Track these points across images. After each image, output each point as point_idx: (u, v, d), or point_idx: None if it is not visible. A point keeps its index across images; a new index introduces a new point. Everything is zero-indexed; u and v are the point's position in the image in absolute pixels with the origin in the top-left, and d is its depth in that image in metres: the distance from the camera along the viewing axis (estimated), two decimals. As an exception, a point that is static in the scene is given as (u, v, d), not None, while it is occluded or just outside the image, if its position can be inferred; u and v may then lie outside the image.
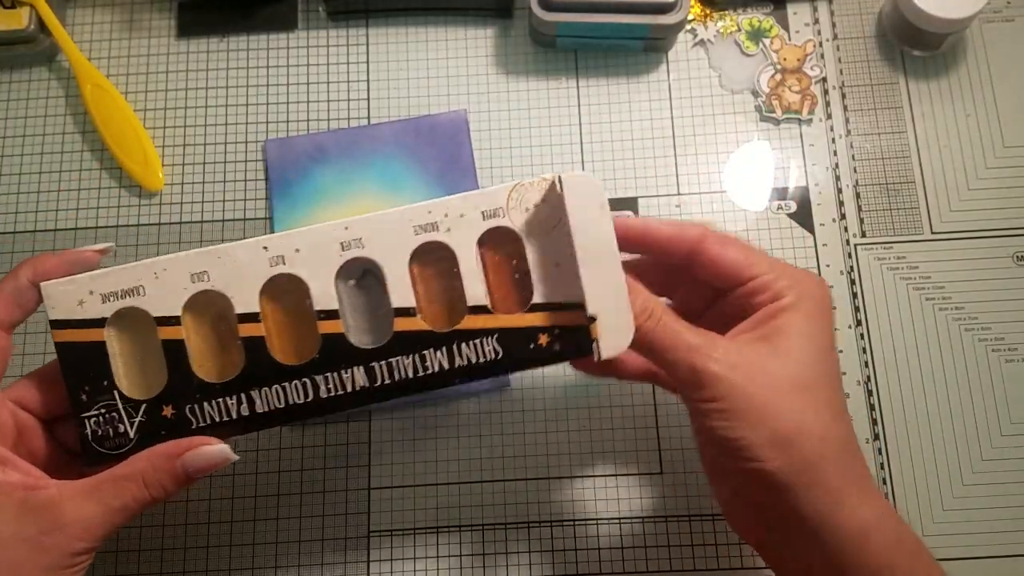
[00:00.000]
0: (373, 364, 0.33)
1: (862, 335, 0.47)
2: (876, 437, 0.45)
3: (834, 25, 0.52)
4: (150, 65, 0.52)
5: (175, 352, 0.33)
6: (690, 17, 0.52)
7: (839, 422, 0.33)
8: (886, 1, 0.51)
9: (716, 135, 0.50)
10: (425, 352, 0.33)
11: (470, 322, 0.33)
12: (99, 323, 0.33)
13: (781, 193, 0.49)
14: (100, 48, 0.52)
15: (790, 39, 0.52)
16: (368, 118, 0.51)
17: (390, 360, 0.33)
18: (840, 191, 0.49)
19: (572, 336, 0.33)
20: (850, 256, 0.48)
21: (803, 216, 0.49)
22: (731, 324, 0.35)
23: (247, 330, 0.33)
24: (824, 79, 0.51)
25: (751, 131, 0.50)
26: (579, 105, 0.51)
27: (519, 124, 0.51)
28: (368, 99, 0.51)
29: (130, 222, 0.50)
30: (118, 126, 0.50)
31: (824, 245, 0.48)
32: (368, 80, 0.52)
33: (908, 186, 0.49)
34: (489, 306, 0.33)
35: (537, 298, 0.33)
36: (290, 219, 0.49)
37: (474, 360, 0.33)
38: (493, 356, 0.33)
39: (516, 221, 0.33)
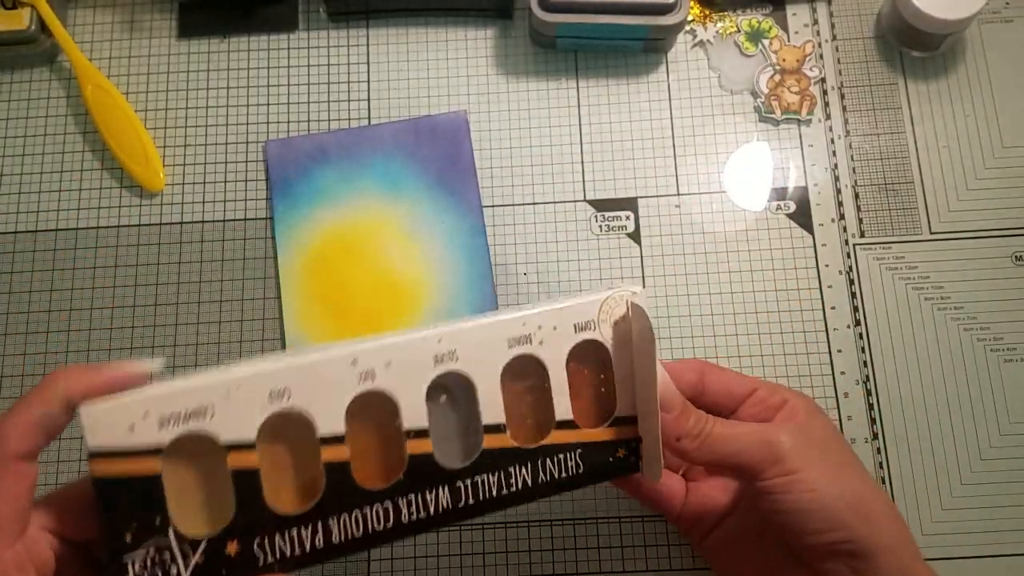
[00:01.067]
0: (458, 483, 0.31)
1: (861, 335, 0.47)
2: (875, 436, 0.45)
3: (833, 26, 0.52)
4: (151, 66, 0.52)
5: (247, 482, 0.28)
6: (689, 18, 0.52)
7: (882, 493, 0.35)
8: (885, 2, 0.51)
9: (716, 135, 0.50)
10: (510, 468, 0.32)
11: (555, 437, 0.32)
12: (154, 452, 0.27)
13: (780, 193, 0.49)
14: (101, 49, 0.53)
15: (789, 40, 0.52)
16: (368, 118, 0.51)
17: (475, 478, 0.31)
18: (839, 191, 0.49)
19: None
20: (849, 256, 0.48)
21: (802, 216, 0.49)
22: None
23: (330, 454, 0.29)
24: (823, 80, 0.51)
25: (750, 131, 0.50)
26: (579, 105, 0.51)
27: (519, 124, 0.51)
28: (368, 100, 0.51)
29: (131, 222, 0.50)
30: (119, 126, 0.50)
31: (823, 245, 0.48)
32: (368, 81, 0.52)
33: (907, 186, 0.49)
34: (575, 420, 0.33)
35: (619, 412, 0.33)
36: (291, 219, 0.49)
37: (557, 475, 0.32)
38: (575, 471, 0.33)
39: (606, 335, 0.33)
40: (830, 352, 0.47)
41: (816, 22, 0.52)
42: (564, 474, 0.32)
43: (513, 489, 0.32)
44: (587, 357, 0.33)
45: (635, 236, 0.49)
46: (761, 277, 0.48)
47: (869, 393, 0.46)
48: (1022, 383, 0.46)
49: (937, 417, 0.46)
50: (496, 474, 0.31)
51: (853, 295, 0.48)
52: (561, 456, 0.32)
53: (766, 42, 0.52)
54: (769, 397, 0.37)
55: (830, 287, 0.48)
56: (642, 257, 0.48)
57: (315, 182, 0.49)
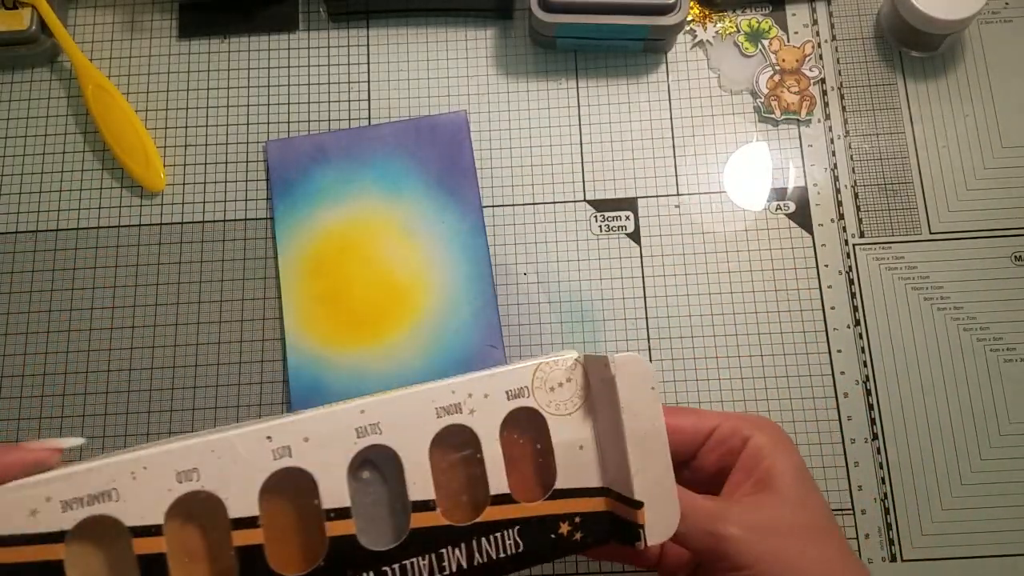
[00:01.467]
0: (385, 568, 0.29)
1: (860, 335, 0.47)
2: (875, 437, 0.46)
3: (833, 26, 0.52)
4: (151, 66, 0.52)
5: (154, 569, 0.27)
6: (689, 18, 0.52)
7: (850, 559, 0.32)
8: (884, 2, 0.51)
9: (715, 136, 0.50)
10: (443, 551, 0.30)
11: (491, 513, 0.30)
12: (57, 537, 0.26)
13: (780, 193, 0.49)
14: (101, 49, 0.53)
15: (789, 40, 0.52)
16: (369, 119, 0.51)
17: (404, 562, 0.29)
18: (839, 191, 0.49)
19: (596, 523, 0.31)
20: (849, 256, 0.48)
21: (802, 216, 0.49)
22: (716, 483, 0.34)
23: (242, 537, 0.28)
24: (823, 80, 0.51)
25: (750, 132, 0.51)
26: (579, 105, 0.51)
27: (519, 124, 0.51)
28: (369, 100, 0.51)
29: (131, 222, 0.50)
30: (119, 127, 0.50)
31: (823, 245, 0.48)
32: (369, 81, 0.52)
33: (906, 186, 0.49)
34: (511, 494, 0.31)
35: (559, 483, 0.31)
36: (291, 219, 0.49)
37: (494, 556, 0.30)
38: (514, 550, 0.30)
39: (540, 401, 0.31)
40: (830, 352, 0.47)
41: (816, 22, 0.52)
42: (502, 553, 0.30)
43: (446, 573, 0.30)
44: (522, 426, 0.31)
45: (635, 236, 0.49)
46: (761, 277, 0.48)
47: (869, 393, 0.46)
48: (1022, 383, 0.46)
49: (937, 417, 0.46)
50: (427, 557, 0.30)
51: (853, 295, 0.48)
52: (498, 535, 0.30)
53: (766, 42, 0.52)
54: (729, 437, 0.34)
55: (830, 287, 0.48)
56: (642, 257, 0.48)
57: (315, 182, 0.49)
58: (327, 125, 0.51)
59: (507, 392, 0.31)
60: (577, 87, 0.51)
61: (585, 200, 0.50)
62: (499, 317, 0.47)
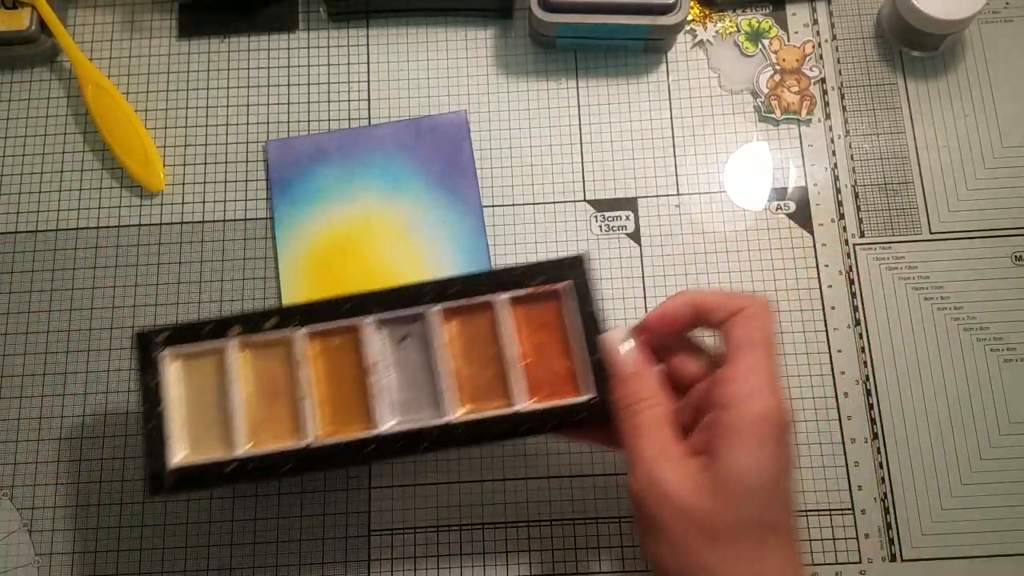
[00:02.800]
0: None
1: (861, 335, 0.47)
2: (875, 436, 0.46)
3: (833, 26, 0.52)
4: (151, 66, 0.52)
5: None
6: (689, 18, 0.52)
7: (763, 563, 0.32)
8: (885, 2, 0.51)
9: (715, 135, 0.50)
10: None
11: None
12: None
13: (780, 193, 0.49)
14: (101, 49, 0.53)
15: (789, 40, 0.52)
16: (368, 118, 0.51)
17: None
18: (839, 191, 0.49)
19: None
20: (849, 256, 0.48)
21: (802, 216, 0.49)
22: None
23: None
24: (823, 80, 0.51)
25: (750, 131, 0.51)
26: (579, 105, 0.51)
27: (519, 124, 0.51)
28: (368, 99, 0.51)
29: (131, 222, 0.50)
30: (119, 126, 0.50)
31: (823, 245, 0.48)
32: (368, 81, 0.52)
33: (907, 186, 0.49)
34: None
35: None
36: (291, 219, 0.49)
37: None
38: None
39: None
40: (830, 352, 0.47)
41: (816, 22, 0.52)
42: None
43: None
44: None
45: (635, 236, 0.49)
46: (761, 277, 0.48)
47: (869, 393, 0.46)
48: (1022, 383, 0.46)
49: (937, 417, 0.46)
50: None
51: (853, 295, 0.48)
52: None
53: (766, 42, 0.52)
54: (730, 397, 0.33)
55: (830, 287, 0.48)
56: (642, 257, 0.48)
57: (315, 182, 0.49)
58: (327, 125, 0.51)
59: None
60: (577, 87, 0.51)
61: (585, 200, 0.50)
62: None
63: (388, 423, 0.39)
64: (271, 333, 0.39)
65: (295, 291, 0.48)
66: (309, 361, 0.39)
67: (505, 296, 0.39)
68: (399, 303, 0.39)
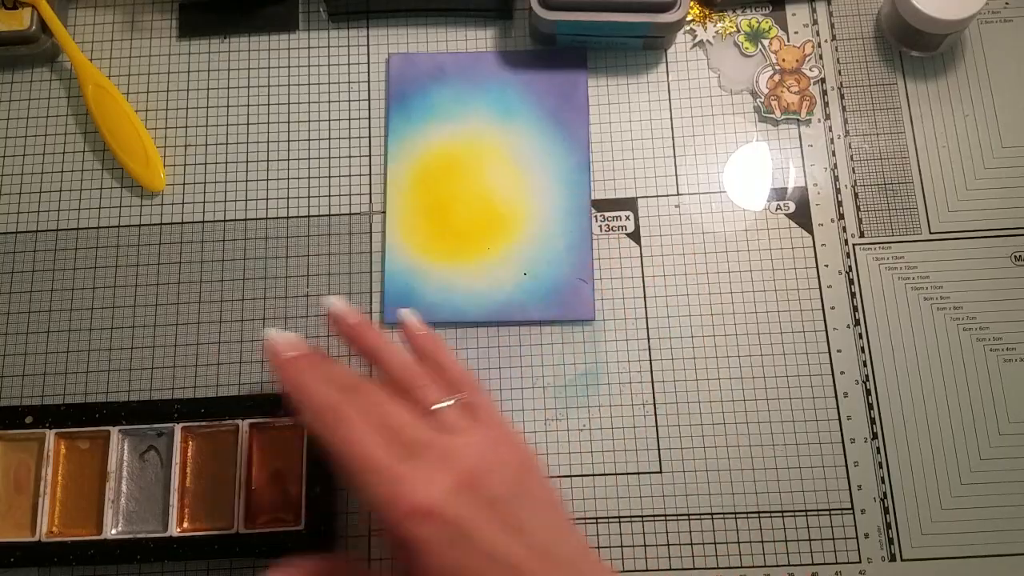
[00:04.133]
0: None
1: (860, 335, 0.47)
2: (874, 436, 0.46)
3: (833, 26, 0.52)
4: (151, 66, 0.52)
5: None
6: (689, 18, 0.52)
7: None
8: (884, 2, 0.51)
9: (715, 135, 0.50)
10: None
11: None
12: None
13: (780, 193, 0.49)
14: (102, 49, 0.53)
15: (789, 40, 0.52)
16: (368, 118, 0.51)
17: None
18: (839, 191, 0.49)
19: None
20: (848, 256, 0.48)
21: (802, 216, 0.49)
22: None
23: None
24: (823, 80, 0.51)
25: (750, 131, 0.51)
26: (579, 105, 0.51)
27: (519, 124, 0.51)
28: (368, 99, 0.51)
29: (131, 222, 0.50)
30: (120, 126, 0.50)
31: (823, 245, 0.48)
32: (369, 81, 0.52)
33: (906, 186, 0.49)
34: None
35: None
36: (404, 132, 0.50)
37: None
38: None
39: None
40: (830, 352, 0.47)
41: (816, 22, 0.52)
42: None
43: None
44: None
45: (635, 236, 0.49)
46: (761, 277, 0.48)
47: (869, 393, 0.46)
48: (1022, 383, 0.46)
49: (936, 417, 0.46)
50: None
51: (853, 295, 0.48)
52: None
53: (766, 42, 0.52)
54: None
55: (830, 287, 0.48)
56: (642, 257, 0.48)
57: (431, 99, 0.51)
58: (327, 125, 0.51)
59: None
60: (577, 87, 0.51)
61: (585, 200, 0.50)
62: (592, 253, 0.48)
63: (112, 530, 0.43)
64: (26, 430, 0.44)
65: (400, 201, 0.49)
66: (55, 460, 0.43)
67: (247, 423, 0.44)
68: (147, 417, 0.44)
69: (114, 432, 0.44)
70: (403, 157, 0.50)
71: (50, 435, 0.44)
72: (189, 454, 0.44)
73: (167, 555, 0.42)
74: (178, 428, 0.44)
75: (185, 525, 0.43)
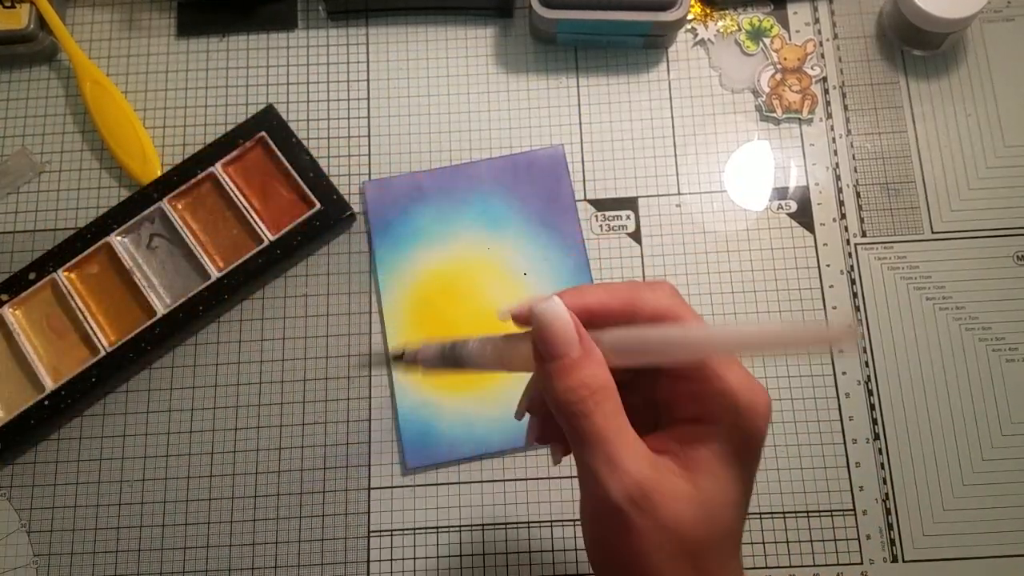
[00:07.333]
0: None
1: (862, 334, 0.47)
2: (876, 437, 0.45)
3: (834, 25, 0.52)
4: (150, 64, 0.52)
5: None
6: (690, 17, 0.52)
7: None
8: (886, 1, 0.51)
9: (716, 135, 0.50)
10: None
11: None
12: None
13: (781, 193, 0.49)
14: (100, 47, 0.52)
15: (790, 39, 0.52)
16: (368, 117, 0.51)
17: None
18: (840, 191, 0.49)
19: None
20: (850, 256, 0.48)
21: (803, 216, 0.49)
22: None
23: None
24: (824, 79, 0.51)
25: (751, 131, 0.50)
26: (579, 105, 0.51)
27: (519, 124, 0.51)
28: (368, 98, 0.51)
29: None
30: (118, 124, 0.50)
31: (824, 245, 0.48)
32: (368, 80, 0.52)
33: (908, 186, 0.49)
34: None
35: None
36: (392, 259, 0.48)
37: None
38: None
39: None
40: (831, 352, 0.47)
41: (817, 21, 0.52)
42: None
43: None
44: None
45: (635, 236, 0.49)
46: (762, 277, 0.48)
47: (870, 393, 0.46)
48: (1023, 383, 0.46)
49: (939, 417, 0.46)
50: None
51: (854, 295, 0.47)
52: None
53: (767, 41, 0.51)
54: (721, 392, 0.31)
55: (831, 287, 0.48)
56: (642, 257, 0.48)
57: (414, 222, 0.49)
58: (326, 124, 0.51)
59: None
60: (577, 86, 0.51)
61: (585, 199, 0.49)
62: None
63: (162, 308, 0.46)
64: (34, 285, 0.46)
65: (400, 332, 0.47)
66: (76, 290, 0.46)
67: (220, 166, 0.47)
68: (134, 210, 0.47)
69: (112, 239, 0.47)
70: (395, 287, 0.48)
71: (59, 275, 0.46)
72: (188, 218, 0.47)
73: (223, 293, 0.45)
74: (164, 203, 0.47)
75: (221, 264, 0.46)
